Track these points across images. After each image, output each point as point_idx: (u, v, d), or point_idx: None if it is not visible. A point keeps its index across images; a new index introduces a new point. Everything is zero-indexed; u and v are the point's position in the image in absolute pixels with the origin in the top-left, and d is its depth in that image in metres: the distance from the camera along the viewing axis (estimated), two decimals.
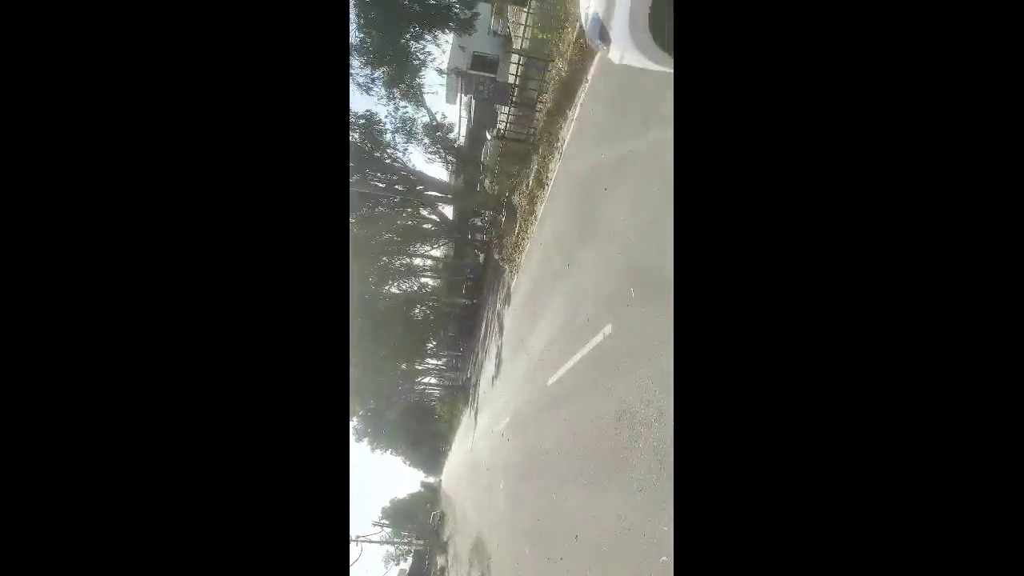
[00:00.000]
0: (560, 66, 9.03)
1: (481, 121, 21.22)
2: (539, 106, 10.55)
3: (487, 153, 19.98)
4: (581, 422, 5.16)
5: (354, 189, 17.25)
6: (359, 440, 39.22)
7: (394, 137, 18.36)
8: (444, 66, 17.87)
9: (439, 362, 36.41)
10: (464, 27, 14.89)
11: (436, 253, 27.26)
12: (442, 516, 27.59)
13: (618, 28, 2.32)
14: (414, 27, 14.31)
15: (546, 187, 9.51)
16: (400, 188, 19.72)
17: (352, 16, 13.03)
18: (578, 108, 8.21)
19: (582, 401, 5.21)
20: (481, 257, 25.24)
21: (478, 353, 20.10)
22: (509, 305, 11.84)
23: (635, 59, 2.43)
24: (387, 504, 48.03)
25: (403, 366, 29.83)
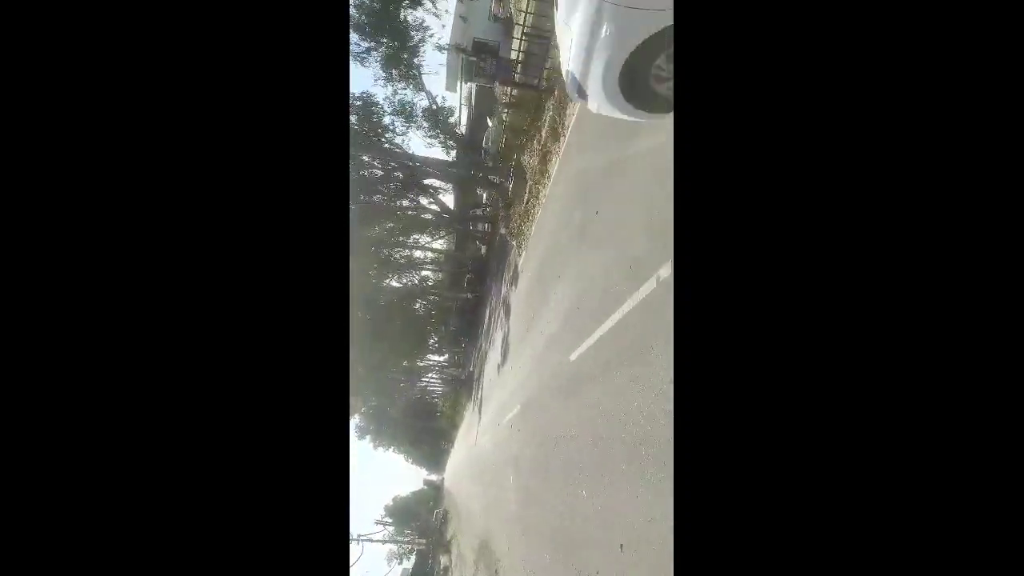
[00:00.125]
0: None
1: (482, 108, 20.32)
2: (552, 52, 9.45)
3: (489, 139, 19.01)
4: (613, 401, 4.08)
5: (351, 175, 16.18)
6: (361, 438, 38.47)
7: (393, 121, 17.28)
8: (444, 41, 16.72)
9: (441, 358, 35.55)
10: None
11: (437, 245, 26.23)
12: (445, 514, 26.68)
13: (593, 87, 2.53)
14: None
15: (562, 138, 8.36)
16: (399, 175, 18.62)
17: None
18: None
19: (614, 377, 4.12)
20: (483, 249, 24.20)
21: (481, 345, 18.98)
22: (516, 287, 10.72)
23: (609, 112, 2.67)
24: (390, 502, 47.36)
25: (404, 363, 29.01)
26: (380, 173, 18.10)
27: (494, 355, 13.14)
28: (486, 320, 17.96)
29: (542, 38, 10.37)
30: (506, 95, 11.79)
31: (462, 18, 16.90)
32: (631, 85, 2.47)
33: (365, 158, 16.69)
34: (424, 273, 27.32)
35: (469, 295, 25.03)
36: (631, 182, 4.79)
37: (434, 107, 17.79)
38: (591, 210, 5.77)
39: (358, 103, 16.15)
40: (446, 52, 16.96)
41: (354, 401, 24.86)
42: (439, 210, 21.90)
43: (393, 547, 39.93)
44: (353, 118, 15.66)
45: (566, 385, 5.52)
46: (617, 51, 2.34)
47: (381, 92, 17.30)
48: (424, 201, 21.61)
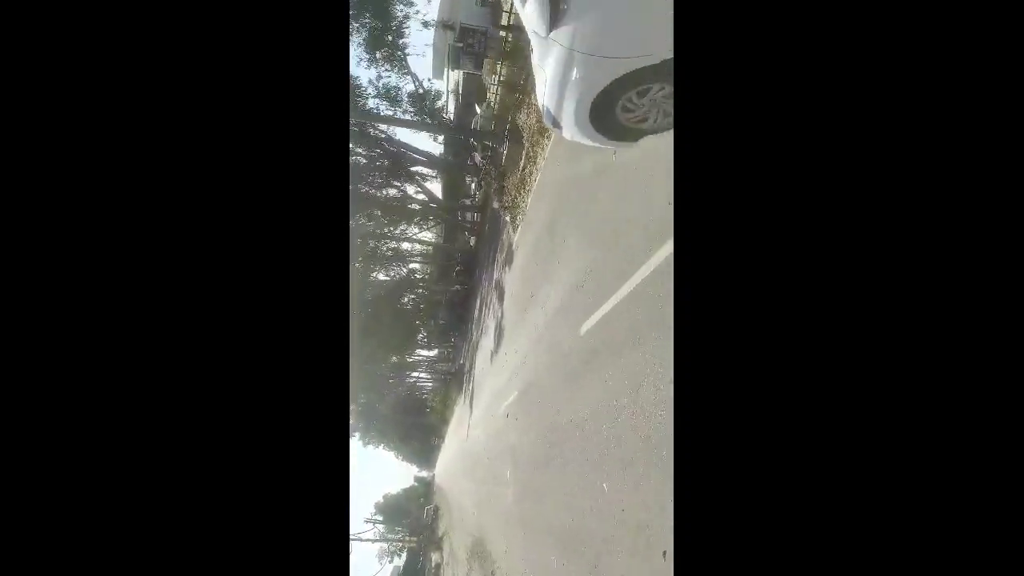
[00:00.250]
0: None
1: (470, 97, 19.48)
2: None
3: (478, 123, 18.13)
4: (629, 380, 3.31)
5: None
6: (350, 435, 37.47)
7: (377, 106, 16.33)
8: (431, 17, 15.76)
9: (431, 353, 34.68)
10: None
11: (425, 236, 25.30)
12: (436, 511, 25.83)
13: (566, 120, 2.73)
14: None
15: None
16: (385, 162, 17.65)
17: None
18: None
19: (631, 350, 3.35)
20: (472, 240, 23.30)
21: (472, 336, 18.11)
22: (510, 267, 9.89)
23: (581, 140, 2.87)
24: (380, 499, 46.40)
25: (393, 358, 28.12)
26: (364, 161, 17.11)
27: (487, 343, 12.29)
28: (477, 310, 17.08)
29: None
30: (496, 63, 10.81)
31: None
32: (599, 119, 2.65)
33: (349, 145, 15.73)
34: (412, 266, 26.37)
35: (458, 287, 24.14)
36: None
37: (420, 91, 16.86)
38: (602, 160, 4.95)
39: None
40: (432, 29, 16.03)
41: None
42: (426, 199, 20.97)
43: (384, 545, 38.99)
44: None
45: (573, 364, 4.73)
46: (586, 92, 2.52)
47: (364, 75, 16.29)
48: (411, 190, 20.67)
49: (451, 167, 20.37)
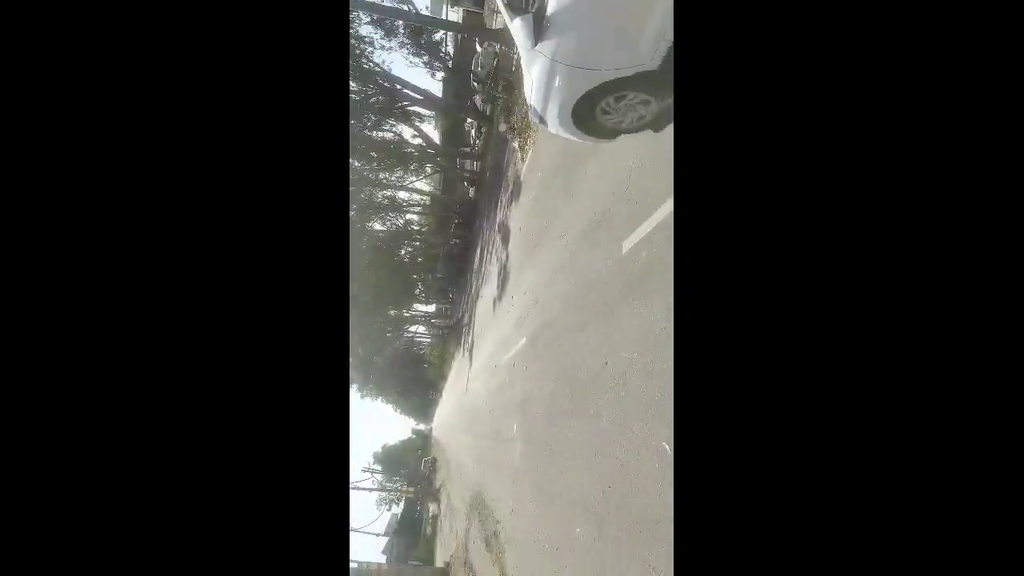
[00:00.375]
0: None
1: (469, 31, 17.77)
2: None
3: (479, 63, 16.57)
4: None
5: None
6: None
7: (371, 34, 14.71)
8: None
9: (428, 308, 33.88)
10: None
11: (422, 186, 23.90)
12: (434, 463, 25.61)
13: (551, 118, 2.97)
14: None
15: None
16: (380, 99, 16.11)
17: None
18: None
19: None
20: (471, 191, 21.97)
21: (471, 285, 17.11)
22: (518, 202, 8.77)
23: (565, 135, 3.11)
24: (378, 450, 46.72)
25: (391, 311, 27.30)
26: (357, 99, 15.57)
27: (488, 292, 11.32)
28: (477, 260, 16.01)
29: None
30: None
31: None
32: (581, 120, 2.92)
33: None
34: (410, 217, 25.08)
35: (457, 241, 22.99)
36: None
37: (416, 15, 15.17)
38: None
39: None
40: None
41: None
42: (423, 144, 19.50)
43: (382, 494, 39.39)
44: None
45: (605, 295, 3.74)
46: (567, 98, 2.78)
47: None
48: (407, 134, 19.17)
49: (450, 109, 18.83)
